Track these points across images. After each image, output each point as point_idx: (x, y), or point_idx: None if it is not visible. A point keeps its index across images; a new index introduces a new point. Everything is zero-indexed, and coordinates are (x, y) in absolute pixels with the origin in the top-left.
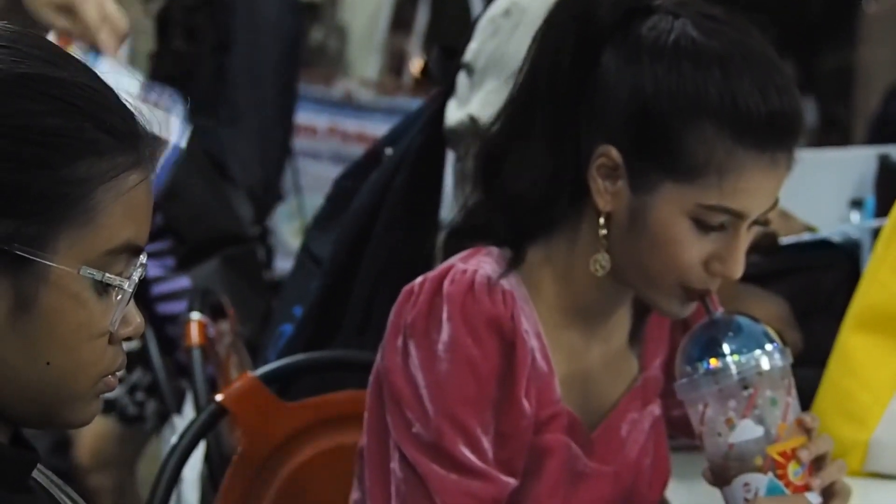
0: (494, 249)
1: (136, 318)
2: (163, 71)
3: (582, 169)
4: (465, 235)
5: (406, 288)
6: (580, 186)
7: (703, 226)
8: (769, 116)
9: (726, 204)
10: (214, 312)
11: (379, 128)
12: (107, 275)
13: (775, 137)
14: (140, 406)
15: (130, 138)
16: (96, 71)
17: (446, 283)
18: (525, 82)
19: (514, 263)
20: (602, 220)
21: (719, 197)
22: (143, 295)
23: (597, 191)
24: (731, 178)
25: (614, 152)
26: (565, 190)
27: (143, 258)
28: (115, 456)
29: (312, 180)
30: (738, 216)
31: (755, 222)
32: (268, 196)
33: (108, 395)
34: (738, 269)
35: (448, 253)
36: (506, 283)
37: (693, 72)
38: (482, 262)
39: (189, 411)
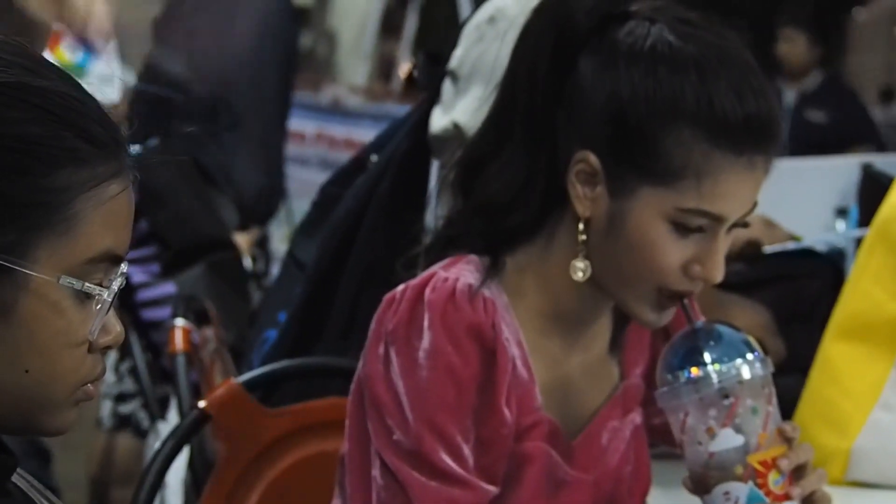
0: (476, 258)
1: (117, 327)
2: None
3: (561, 175)
4: (447, 243)
5: (387, 296)
6: (559, 193)
7: (681, 230)
8: (745, 119)
9: (704, 207)
10: (199, 318)
11: (367, 134)
12: (86, 284)
13: (752, 140)
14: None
15: (111, 147)
16: (91, 68)
17: (428, 291)
18: (504, 89)
19: (491, 271)
20: (581, 226)
21: (697, 200)
22: (128, 301)
23: (575, 196)
24: (709, 182)
25: (592, 158)
26: (541, 195)
27: (123, 267)
28: (134, 469)
29: (300, 186)
30: (717, 220)
31: (734, 225)
32: (271, 200)
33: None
34: (717, 272)
35: (430, 261)
36: (487, 291)
37: (669, 76)
38: (463, 271)
39: (173, 417)
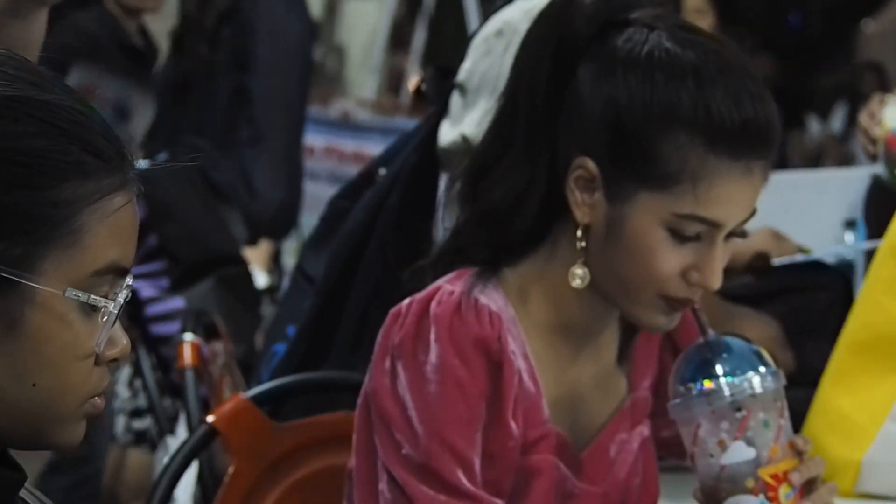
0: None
1: (123, 340)
2: (177, 82)
3: (560, 182)
4: (454, 255)
5: (393, 310)
6: (561, 201)
7: (678, 236)
8: (743, 124)
9: (701, 213)
10: (208, 333)
11: (376, 148)
12: (92, 296)
13: (749, 145)
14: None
15: (115, 160)
16: None
17: (433, 305)
18: (506, 97)
19: (483, 277)
20: (580, 233)
21: (694, 206)
22: (138, 316)
23: (574, 203)
24: (705, 186)
25: (591, 164)
26: (542, 202)
27: (128, 279)
28: (145, 484)
29: (310, 200)
30: (714, 225)
31: (732, 233)
32: (291, 214)
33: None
34: (715, 279)
35: (437, 273)
36: (493, 305)
37: (666, 81)
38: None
39: (182, 432)
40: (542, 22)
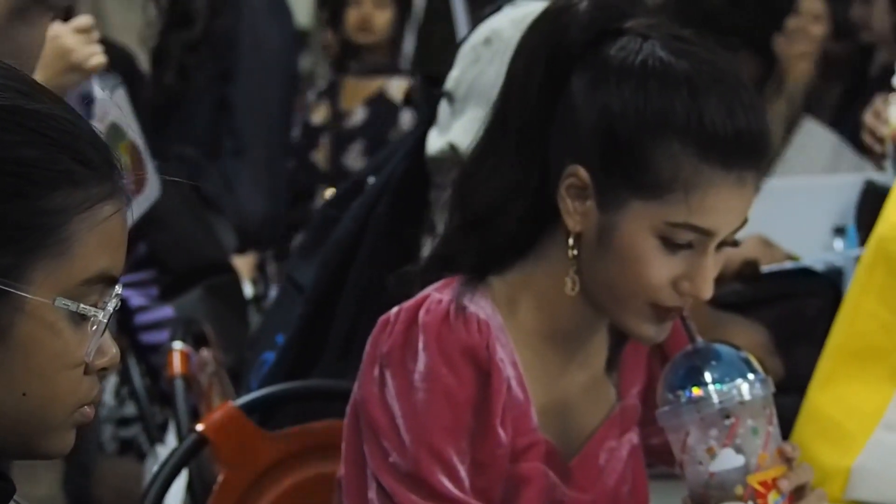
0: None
1: (112, 349)
2: (153, 102)
3: (551, 190)
4: (441, 264)
5: (382, 318)
6: (552, 209)
7: (670, 244)
8: (735, 134)
9: (693, 221)
10: (197, 341)
11: None
12: (81, 305)
13: (741, 155)
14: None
15: (105, 169)
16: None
17: (422, 313)
18: (498, 105)
19: (470, 286)
20: (571, 241)
21: (686, 214)
22: (127, 324)
23: (566, 211)
24: (698, 196)
25: (582, 171)
26: (530, 209)
27: (118, 288)
28: (134, 493)
29: None
30: (706, 234)
31: (724, 243)
32: (274, 226)
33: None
34: (706, 289)
35: (426, 281)
36: (481, 313)
37: (660, 90)
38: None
39: (171, 440)
40: (537, 29)
